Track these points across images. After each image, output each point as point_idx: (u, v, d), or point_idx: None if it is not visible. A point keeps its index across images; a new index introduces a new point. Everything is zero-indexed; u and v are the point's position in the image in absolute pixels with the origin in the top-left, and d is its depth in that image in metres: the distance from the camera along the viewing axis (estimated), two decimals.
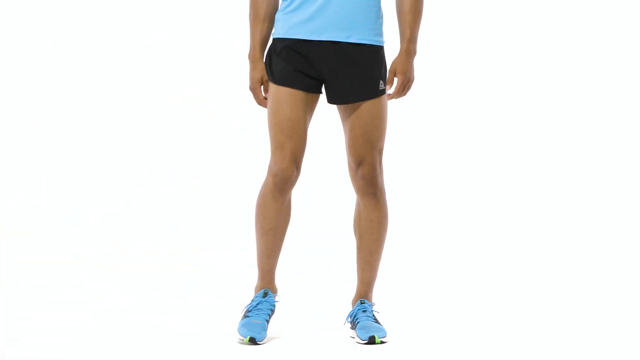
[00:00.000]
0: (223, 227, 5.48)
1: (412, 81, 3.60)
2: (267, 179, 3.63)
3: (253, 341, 3.54)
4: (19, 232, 5.48)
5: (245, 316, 3.66)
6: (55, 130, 5.82)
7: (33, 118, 5.84)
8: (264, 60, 3.63)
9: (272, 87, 3.59)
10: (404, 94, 3.61)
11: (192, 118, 5.84)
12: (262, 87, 3.63)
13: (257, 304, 3.68)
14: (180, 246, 5.38)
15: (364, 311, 3.65)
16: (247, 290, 3.95)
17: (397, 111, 4.28)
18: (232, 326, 3.74)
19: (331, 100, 3.61)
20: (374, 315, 3.66)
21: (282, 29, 3.58)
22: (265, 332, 3.59)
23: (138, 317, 4.00)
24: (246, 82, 3.68)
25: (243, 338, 3.55)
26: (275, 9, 3.64)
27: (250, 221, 5.47)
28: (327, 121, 4.26)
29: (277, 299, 3.74)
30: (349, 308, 3.85)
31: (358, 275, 3.72)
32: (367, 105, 3.56)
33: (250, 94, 3.67)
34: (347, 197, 4.36)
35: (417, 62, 3.63)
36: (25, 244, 5.35)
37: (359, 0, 3.53)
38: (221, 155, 5.81)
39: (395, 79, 3.60)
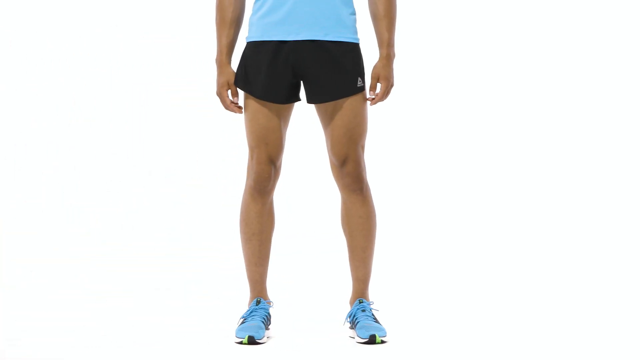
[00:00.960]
0: (223, 227, 5.47)
1: (393, 85, 3.62)
2: (246, 184, 3.67)
3: (252, 340, 3.53)
4: (19, 232, 5.47)
5: (240, 323, 3.66)
6: (55, 130, 5.82)
7: (33, 118, 5.84)
8: (239, 66, 3.62)
9: (247, 96, 3.60)
10: (385, 98, 3.62)
11: (192, 118, 5.84)
12: (229, 91, 3.63)
13: (251, 311, 3.68)
14: (180, 246, 5.38)
15: (363, 310, 3.65)
16: (247, 290, 3.94)
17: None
18: (232, 326, 3.74)
19: (310, 99, 3.60)
20: (373, 314, 3.66)
21: (257, 32, 3.58)
22: (264, 332, 3.59)
23: (138, 317, 3.99)
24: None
25: (242, 339, 3.55)
26: (242, 13, 3.65)
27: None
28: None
29: (270, 307, 3.74)
30: (346, 308, 3.85)
31: (352, 274, 3.72)
32: (347, 104, 3.56)
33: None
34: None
35: (398, 64, 3.65)
36: (25, 244, 5.35)
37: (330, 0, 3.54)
38: (221, 156, 5.81)
39: (379, 85, 3.61)
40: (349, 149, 3.58)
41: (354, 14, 3.59)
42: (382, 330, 3.57)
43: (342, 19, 3.55)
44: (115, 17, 5.88)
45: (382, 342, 3.54)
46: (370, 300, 3.72)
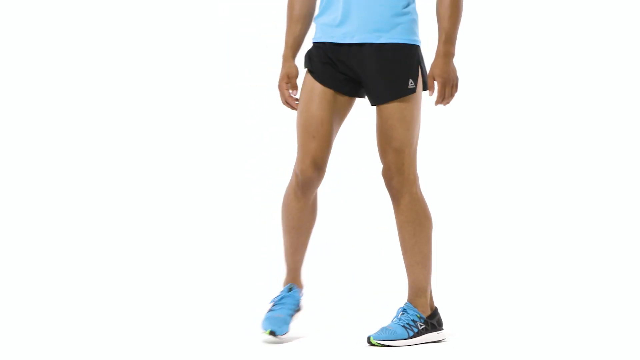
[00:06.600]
0: (224, 227, 5.47)
1: (456, 85, 3.49)
2: (291, 178, 3.62)
3: (273, 334, 3.55)
4: (19, 232, 5.47)
5: (269, 310, 3.66)
6: (55, 130, 5.82)
7: (33, 118, 5.84)
8: (306, 57, 3.61)
9: (306, 83, 3.58)
10: (449, 100, 3.50)
11: (193, 118, 5.84)
12: (289, 85, 3.61)
13: (282, 297, 3.68)
14: (180, 246, 5.37)
15: (402, 312, 3.63)
16: (248, 289, 3.95)
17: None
18: (233, 326, 3.75)
19: (371, 102, 3.57)
20: (402, 319, 3.60)
21: (317, 34, 3.59)
22: (287, 327, 3.59)
23: (138, 317, 3.99)
24: (244, 81, 3.70)
25: (264, 331, 3.57)
26: (311, 10, 3.64)
27: (250, 220, 5.48)
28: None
29: (302, 294, 3.73)
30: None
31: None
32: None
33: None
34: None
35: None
36: (25, 244, 5.35)
37: (383, 1, 3.50)
38: (221, 155, 5.81)
39: (436, 83, 3.49)
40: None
41: (409, 14, 3.51)
42: (383, 334, 3.55)
43: (395, 20, 3.49)
44: (115, 17, 5.89)
45: (377, 344, 3.52)
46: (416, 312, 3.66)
